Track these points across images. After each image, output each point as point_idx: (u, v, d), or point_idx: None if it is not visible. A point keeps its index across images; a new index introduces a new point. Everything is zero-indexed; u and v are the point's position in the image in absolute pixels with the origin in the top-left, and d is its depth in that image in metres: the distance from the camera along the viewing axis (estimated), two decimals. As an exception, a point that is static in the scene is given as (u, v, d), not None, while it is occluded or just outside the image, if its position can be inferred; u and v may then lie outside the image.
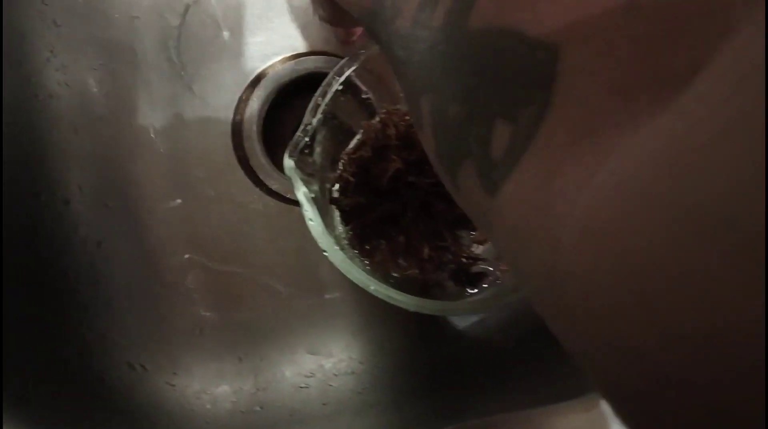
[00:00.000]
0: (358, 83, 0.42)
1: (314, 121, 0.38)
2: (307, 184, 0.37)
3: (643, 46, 0.14)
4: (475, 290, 0.42)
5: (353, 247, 0.43)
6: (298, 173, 0.37)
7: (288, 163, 0.37)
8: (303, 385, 0.44)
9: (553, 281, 0.15)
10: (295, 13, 0.47)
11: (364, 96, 0.44)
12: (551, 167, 0.16)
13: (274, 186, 0.47)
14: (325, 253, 0.36)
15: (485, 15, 0.18)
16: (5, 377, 0.36)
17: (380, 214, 0.42)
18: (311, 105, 0.38)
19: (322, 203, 0.40)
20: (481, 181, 0.18)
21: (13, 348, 0.37)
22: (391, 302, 0.36)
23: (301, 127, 0.38)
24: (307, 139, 0.37)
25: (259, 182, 0.46)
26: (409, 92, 0.23)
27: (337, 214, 0.43)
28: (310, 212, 0.36)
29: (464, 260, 0.44)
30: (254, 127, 0.47)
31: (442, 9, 0.20)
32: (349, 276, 0.36)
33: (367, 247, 0.43)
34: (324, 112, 0.39)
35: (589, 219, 0.14)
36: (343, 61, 0.39)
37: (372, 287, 0.36)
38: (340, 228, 0.43)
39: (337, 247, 0.36)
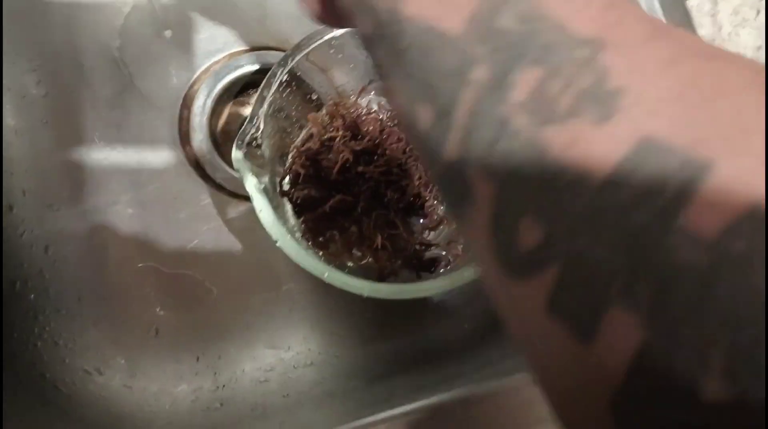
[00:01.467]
0: (303, 76, 0.43)
1: (261, 112, 0.38)
2: (256, 175, 0.37)
3: None
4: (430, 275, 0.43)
5: (307, 240, 0.43)
6: (247, 164, 0.37)
7: (236, 154, 0.37)
8: (263, 380, 0.43)
9: None
10: (239, 9, 0.47)
11: (309, 89, 0.44)
12: None
13: (223, 182, 0.46)
14: (277, 244, 0.36)
15: None
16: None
17: (332, 206, 0.42)
18: (257, 97, 0.38)
19: (273, 196, 0.40)
20: None
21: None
22: (347, 289, 0.36)
23: (248, 118, 0.38)
24: (254, 130, 0.37)
25: (208, 179, 0.46)
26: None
27: (289, 207, 0.44)
28: (259, 202, 0.36)
29: (417, 247, 0.44)
30: (202, 124, 0.46)
31: None
32: (302, 264, 0.36)
33: (321, 238, 0.44)
34: (271, 105, 0.39)
35: None
36: (286, 53, 0.39)
37: (326, 274, 0.36)
38: (292, 221, 0.43)
39: (288, 236, 0.36)
